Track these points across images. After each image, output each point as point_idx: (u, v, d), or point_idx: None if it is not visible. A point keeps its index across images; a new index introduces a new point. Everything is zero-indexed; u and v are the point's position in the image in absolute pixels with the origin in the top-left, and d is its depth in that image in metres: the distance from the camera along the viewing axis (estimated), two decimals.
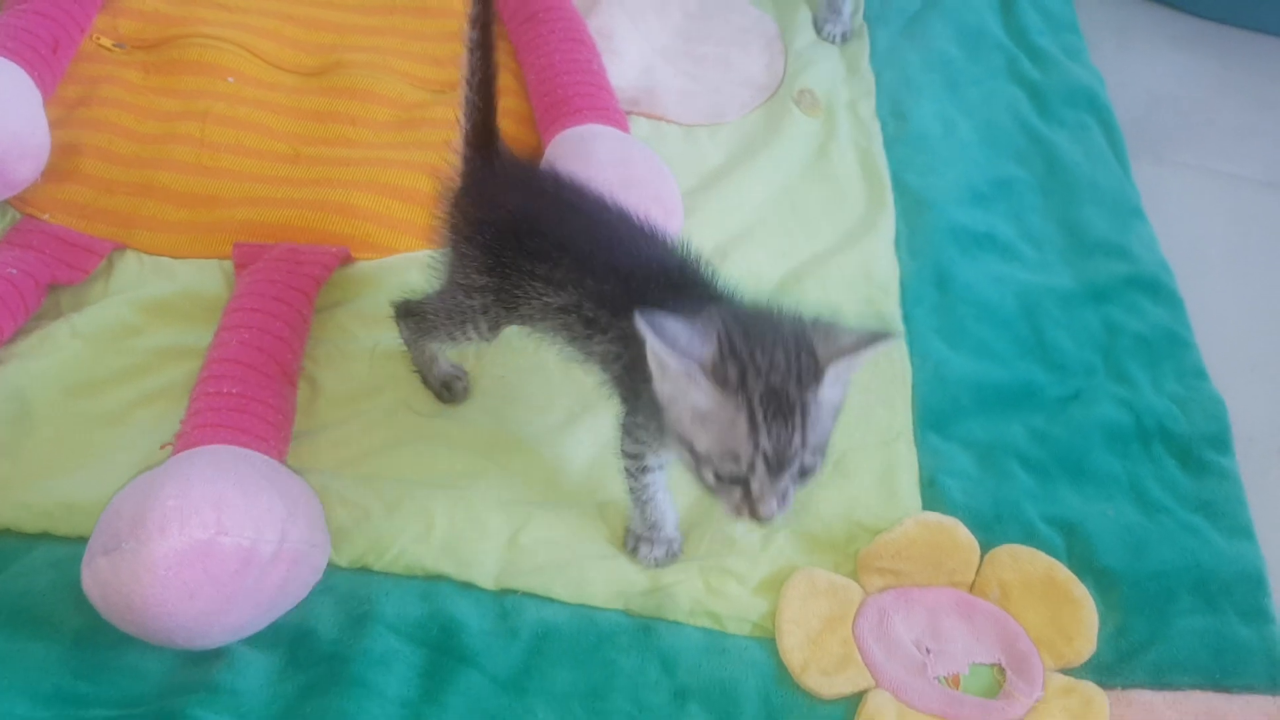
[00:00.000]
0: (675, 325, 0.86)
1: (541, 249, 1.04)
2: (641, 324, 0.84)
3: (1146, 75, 1.86)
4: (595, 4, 1.73)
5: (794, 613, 1.11)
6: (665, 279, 1.00)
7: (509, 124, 1.40)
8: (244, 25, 1.66)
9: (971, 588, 1.16)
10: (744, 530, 1.16)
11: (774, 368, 0.85)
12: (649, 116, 1.62)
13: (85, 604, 0.99)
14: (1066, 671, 1.10)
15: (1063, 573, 1.16)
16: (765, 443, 0.86)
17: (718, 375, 0.86)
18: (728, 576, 1.14)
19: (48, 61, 1.48)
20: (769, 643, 1.10)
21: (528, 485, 1.21)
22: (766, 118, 1.66)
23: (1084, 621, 1.12)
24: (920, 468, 1.25)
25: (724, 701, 1.05)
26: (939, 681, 1.09)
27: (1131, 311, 1.44)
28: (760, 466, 0.87)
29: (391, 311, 1.23)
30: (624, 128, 1.48)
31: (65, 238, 1.39)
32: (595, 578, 1.13)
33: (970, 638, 1.12)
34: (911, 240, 1.51)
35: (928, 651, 1.10)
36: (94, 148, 1.48)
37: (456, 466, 1.21)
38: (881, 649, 1.09)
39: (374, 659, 1.05)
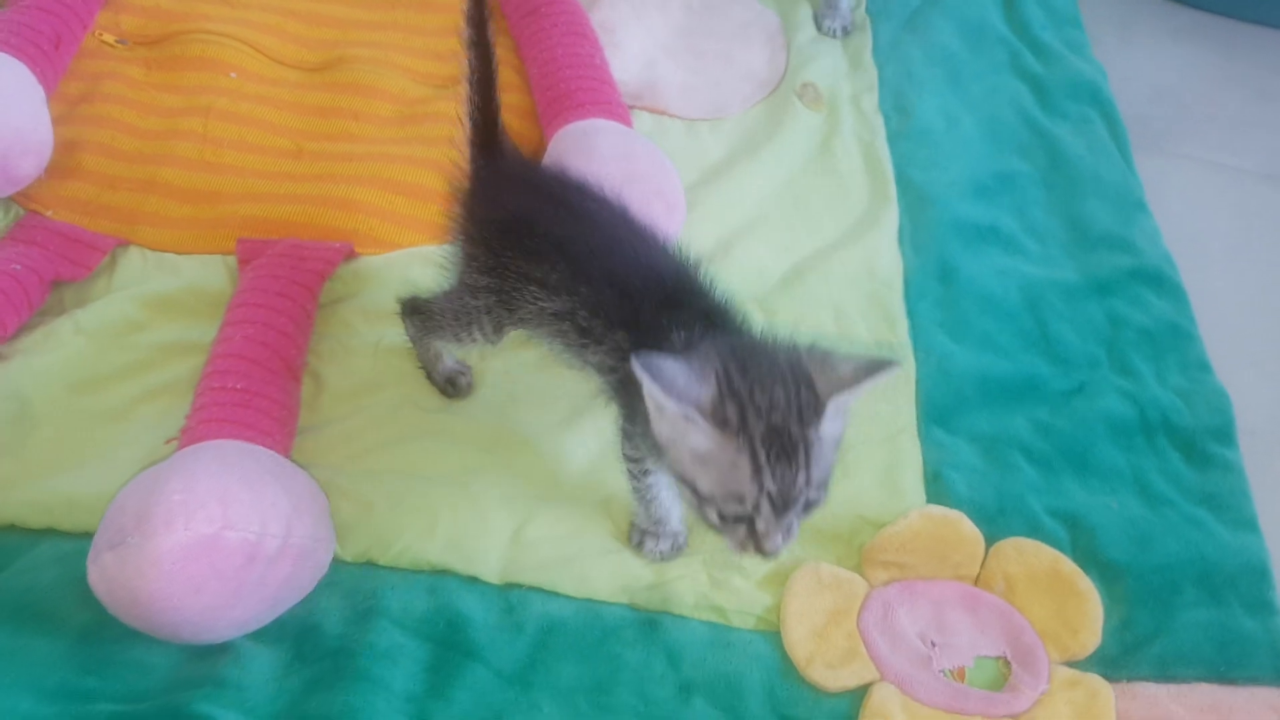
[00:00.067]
0: (673, 367, 0.84)
1: (539, 250, 1.03)
2: (638, 368, 0.82)
3: (1149, 69, 1.86)
4: None
5: (799, 606, 1.11)
6: (661, 289, 0.99)
7: (511, 119, 1.39)
8: (246, 21, 1.65)
9: (976, 581, 1.16)
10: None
11: (774, 406, 0.84)
12: (651, 111, 1.62)
13: (90, 599, 0.99)
14: (1071, 664, 1.10)
15: (1067, 566, 1.16)
16: (770, 484, 0.85)
17: (717, 417, 0.84)
18: (732, 570, 1.14)
19: (50, 58, 1.48)
20: (774, 636, 1.10)
21: (532, 480, 1.21)
22: (769, 112, 1.65)
23: (1089, 614, 1.12)
24: (924, 461, 1.25)
25: (729, 695, 1.05)
26: (944, 674, 1.09)
27: (1135, 304, 1.43)
28: (765, 507, 0.86)
29: (398, 308, 1.23)
30: (627, 122, 1.47)
31: (68, 234, 1.39)
32: (600, 572, 1.13)
33: (975, 631, 1.12)
34: (915, 234, 1.51)
35: (933, 644, 1.10)
36: (97, 144, 1.48)
37: (461, 462, 1.21)
38: (886, 642, 1.09)
39: (379, 653, 1.04)
